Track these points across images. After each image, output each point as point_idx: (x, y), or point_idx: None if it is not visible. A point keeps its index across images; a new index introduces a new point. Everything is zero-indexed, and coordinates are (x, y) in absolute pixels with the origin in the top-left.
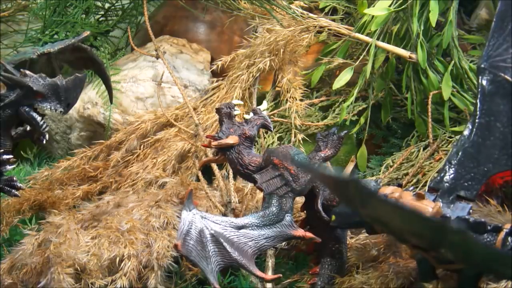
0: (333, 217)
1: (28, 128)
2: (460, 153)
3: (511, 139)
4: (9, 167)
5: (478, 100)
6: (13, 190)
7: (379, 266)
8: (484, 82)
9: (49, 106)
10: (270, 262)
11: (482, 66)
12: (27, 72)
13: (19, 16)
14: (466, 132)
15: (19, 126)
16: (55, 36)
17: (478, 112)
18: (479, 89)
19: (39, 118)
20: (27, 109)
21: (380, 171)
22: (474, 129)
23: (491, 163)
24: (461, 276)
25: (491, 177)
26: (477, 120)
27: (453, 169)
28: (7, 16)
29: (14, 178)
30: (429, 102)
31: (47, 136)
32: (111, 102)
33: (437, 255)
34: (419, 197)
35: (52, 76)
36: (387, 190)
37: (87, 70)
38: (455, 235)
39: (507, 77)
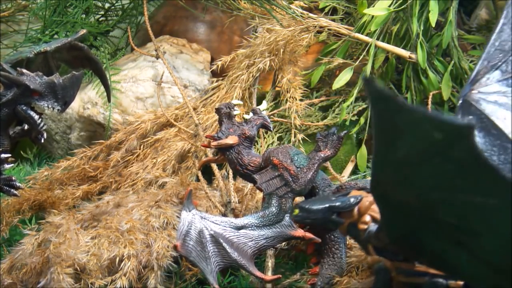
0: (296, 211)
1: (26, 127)
2: None
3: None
4: (7, 166)
5: None
6: (12, 190)
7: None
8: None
9: (46, 105)
10: (270, 262)
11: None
12: (24, 70)
13: (19, 16)
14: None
15: (17, 125)
16: (55, 36)
17: None
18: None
19: (36, 117)
20: (24, 108)
21: None
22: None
23: None
24: None
25: None
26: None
27: None
28: (7, 16)
29: (13, 178)
30: (429, 102)
31: (45, 134)
32: (109, 101)
33: (400, 267)
34: None
35: (49, 76)
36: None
37: (84, 69)
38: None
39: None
